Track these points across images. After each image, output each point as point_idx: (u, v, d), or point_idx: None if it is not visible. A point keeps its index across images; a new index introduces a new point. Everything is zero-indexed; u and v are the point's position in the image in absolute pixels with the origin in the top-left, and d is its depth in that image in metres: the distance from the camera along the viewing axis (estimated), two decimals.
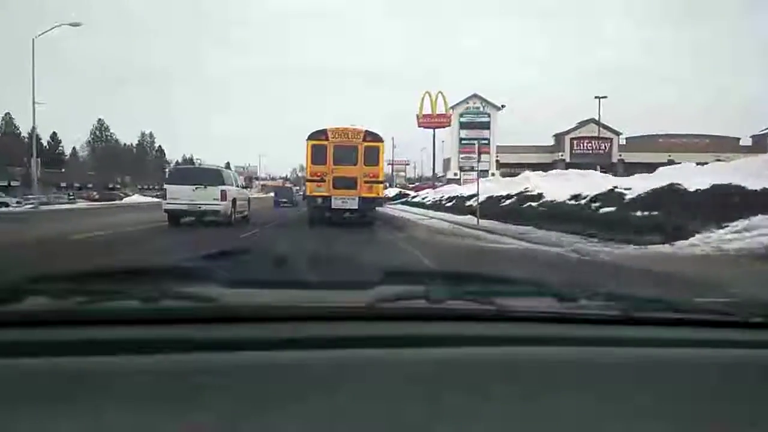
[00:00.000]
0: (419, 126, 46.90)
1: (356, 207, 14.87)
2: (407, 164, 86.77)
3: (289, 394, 0.65)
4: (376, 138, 15.40)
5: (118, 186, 72.74)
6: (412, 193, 45.60)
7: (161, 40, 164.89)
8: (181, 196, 13.95)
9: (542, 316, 0.93)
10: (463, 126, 52.40)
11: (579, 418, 0.66)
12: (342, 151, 14.88)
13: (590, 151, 50.65)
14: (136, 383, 0.66)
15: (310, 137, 15.19)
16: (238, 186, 16.50)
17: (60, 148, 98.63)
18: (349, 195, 14.78)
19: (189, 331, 0.77)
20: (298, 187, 50.32)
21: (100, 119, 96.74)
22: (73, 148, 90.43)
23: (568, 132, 54.18)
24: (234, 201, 14.99)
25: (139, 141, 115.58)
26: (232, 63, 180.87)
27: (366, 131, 15.36)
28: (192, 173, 15.63)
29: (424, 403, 0.66)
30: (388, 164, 77.67)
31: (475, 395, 0.68)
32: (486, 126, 52.31)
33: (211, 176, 14.76)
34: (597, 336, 0.88)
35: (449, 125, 47.91)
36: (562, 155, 50.98)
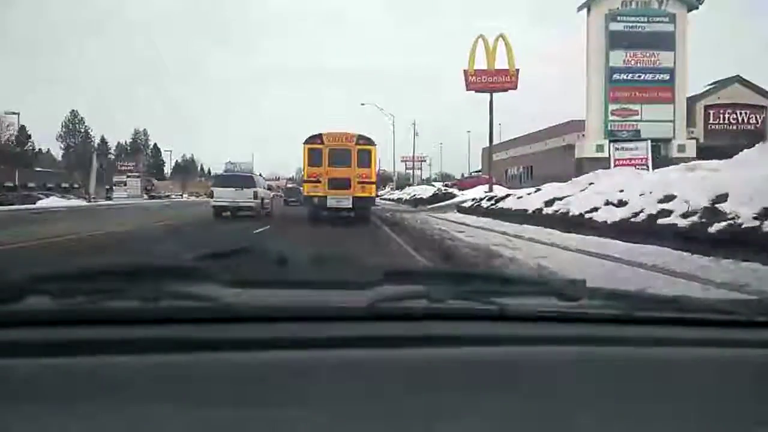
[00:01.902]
0: (468, 88, 29.72)
1: (350, 206, 16.05)
2: (423, 160, 71.19)
3: (290, 394, 0.65)
4: (369, 142, 16.57)
5: (76, 186, 58.52)
6: (458, 192, 29.31)
7: (160, 39, 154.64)
8: (224, 195, 18.38)
9: (543, 316, 0.92)
10: (615, 42, 25.22)
11: (580, 418, 0.65)
12: (336, 154, 16.15)
13: (734, 126, 30.22)
14: (136, 383, 0.66)
15: (307, 141, 16.52)
16: (264, 188, 21.54)
17: (29, 144, 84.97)
18: (344, 195, 15.98)
19: (189, 331, 0.77)
20: (302, 188, 36.65)
21: (73, 110, 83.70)
22: (67, 145, 78.30)
23: (700, 97, 31.13)
24: (262, 200, 19.61)
25: (132, 138, 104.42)
26: (234, 61, 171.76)
27: (359, 135, 16.47)
28: (232, 178, 20.04)
29: (424, 403, 0.66)
30: (402, 161, 64.31)
31: (476, 395, 0.68)
32: (667, 42, 24.98)
33: (246, 181, 19.33)
34: (598, 335, 0.87)
35: (514, 87, 30.82)
36: (692, 132, 28.73)
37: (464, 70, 30.16)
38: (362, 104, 46.80)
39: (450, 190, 31.55)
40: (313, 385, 0.67)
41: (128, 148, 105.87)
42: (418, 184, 52.89)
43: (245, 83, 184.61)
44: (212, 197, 19.11)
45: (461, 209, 19.89)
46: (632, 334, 0.88)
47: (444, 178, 71.06)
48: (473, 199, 20.56)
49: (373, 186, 16.73)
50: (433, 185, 42.27)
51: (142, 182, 61.01)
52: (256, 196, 18.80)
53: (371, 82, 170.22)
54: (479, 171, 47.57)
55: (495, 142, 33.44)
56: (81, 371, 0.68)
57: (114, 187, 56.55)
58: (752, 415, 0.69)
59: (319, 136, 16.44)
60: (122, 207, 33.18)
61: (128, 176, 59.90)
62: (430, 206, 27.48)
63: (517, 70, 29.47)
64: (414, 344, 0.78)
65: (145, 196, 59.36)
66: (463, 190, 31.39)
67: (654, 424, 0.66)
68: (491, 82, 29.68)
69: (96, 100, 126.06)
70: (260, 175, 28.82)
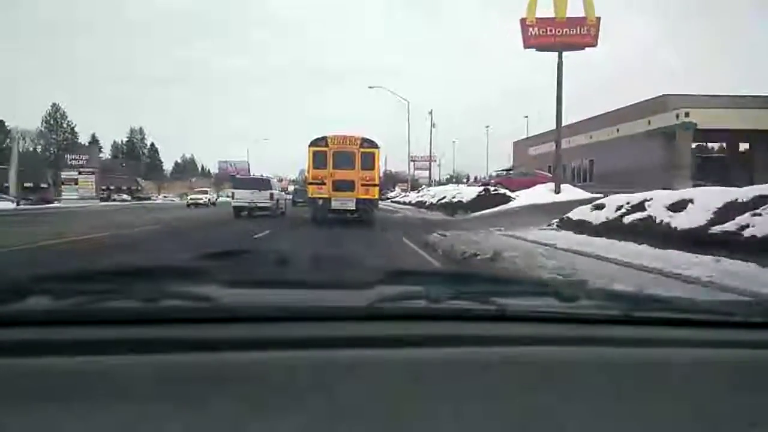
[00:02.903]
0: (527, 44, 20.97)
1: (354, 208, 16.27)
2: (434, 160, 62.33)
3: (289, 394, 0.65)
4: (372, 144, 16.66)
5: (43, 186, 50.68)
6: (511, 194, 20.50)
7: (160, 38, 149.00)
8: (243, 196, 20.36)
9: (542, 316, 0.92)
10: None
11: (579, 418, 0.66)
12: (341, 156, 16.31)
13: None
14: (136, 383, 0.66)
15: (312, 144, 16.66)
16: (279, 191, 23.99)
17: (8, 141, 77.61)
18: (348, 197, 16.16)
19: (189, 331, 0.77)
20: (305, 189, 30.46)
21: (54, 104, 75.12)
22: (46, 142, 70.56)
23: None
24: (277, 200, 21.60)
25: (128, 137, 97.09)
26: (234, 61, 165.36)
27: (363, 138, 16.60)
28: (250, 181, 22.23)
29: (424, 403, 0.66)
30: (412, 161, 55.92)
31: (475, 395, 0.68)
32: None
33: (263, 183, 21.32)
34: (597, 336, 0.87)
35: (594, 43, 21.87)
36: None
37: (521, 20, 21.26)
38: (370, 87, 38.87)
39: (500, 190, 22.62)
40: (313, 385, 0.67)
41: (124, 147, 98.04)
42: (439, 184, 43.91)
43: (245, 82, 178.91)
44: (232, 198, 21.07)
45: (574, 225, 10.74)
46: (630, 335, 0.88)
47: (458, 179, 62.29)
48: (619, 208, 10.11)
49: (377, 188, 16.82)
50: (445, 185, 33.26)
51: (98, 179, 50.54)
52: (272, 197, 20.66)
53: (373, 82, 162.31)
54: (509, 169, 38.06)
55: (526, 136, 24.26)
56: (81, 371, 0.68)
57: (63, 186, 47.36)
58: (747, 415, 0.69)
59: (324, 138, 16.53)
60: (41, 214, 24.44)
61: (81, 172, 49.17)
62: (476, 214, 18.54)
63: (598, 19, 20.49)
64: (413, 344, 0.78)
65: (126, 197, 50.73)
66: (513, 190, 22.42)
67: (650, 424, 0.67)
68: (561, 35, 20.75)
69: (93, 99, 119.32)
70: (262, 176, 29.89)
